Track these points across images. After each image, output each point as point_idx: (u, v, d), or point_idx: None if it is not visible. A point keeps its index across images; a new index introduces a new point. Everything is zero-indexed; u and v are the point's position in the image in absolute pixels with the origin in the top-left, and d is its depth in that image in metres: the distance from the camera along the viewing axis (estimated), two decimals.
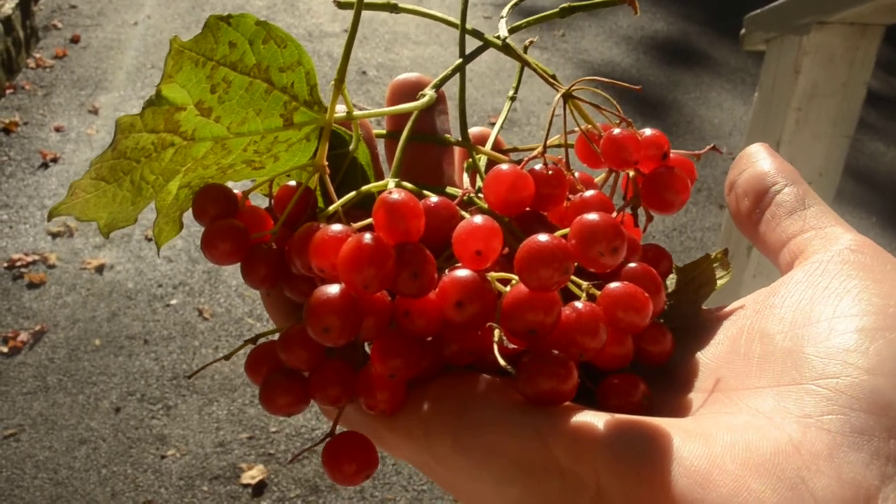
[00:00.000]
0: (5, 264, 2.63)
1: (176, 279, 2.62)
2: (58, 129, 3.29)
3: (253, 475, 2.03)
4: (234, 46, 0.38)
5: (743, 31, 1.52)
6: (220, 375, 2.29)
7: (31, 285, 2.57)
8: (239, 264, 0.38)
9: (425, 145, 0.43)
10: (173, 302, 2.55)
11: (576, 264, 0.33)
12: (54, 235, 2.75)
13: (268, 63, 0.38)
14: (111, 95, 3.55)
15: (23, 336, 2.38)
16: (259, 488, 2.01)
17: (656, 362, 0.36)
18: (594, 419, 0.29)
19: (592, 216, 0.33)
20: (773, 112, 1.42)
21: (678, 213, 3.06)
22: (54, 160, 3.11)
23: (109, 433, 2.13)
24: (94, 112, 3.42)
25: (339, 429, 0.37)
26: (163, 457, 2.08)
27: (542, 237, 0.31)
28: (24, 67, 3.71)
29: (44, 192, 2.96)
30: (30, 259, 2.65)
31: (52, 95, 3.53)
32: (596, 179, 0.42)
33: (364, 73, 3.84)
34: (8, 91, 3.51)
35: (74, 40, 3.97)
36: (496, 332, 0.31)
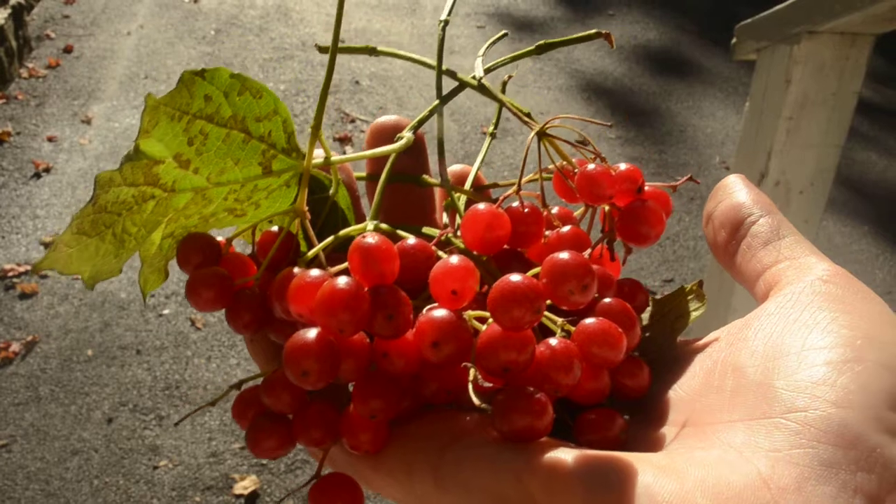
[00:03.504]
0: None
1: (168, 289, 2.62)
2: (50, 139, 3.29)
3: (245, 486, 2.02)
4: (209, 99, 0.38)
5: (734, 40, 1.53)
6: (213, 386, 2.29)
7: (23, 295, 2.56)
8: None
9: (408, 184, 0.44)
10: (166, 312, 2.54)
11: (549, 302, 0.33)
12: (46, 245, 2.74)
13: (244, 114, 0.39)
14: (104, 105, 3.55)
15: (15, 346, 2.37)
16: (251, 499, 2.00)
17: (634, 396, 0.36)
18: (568, 455, 0.29)
19: (563, 255, 0.33)
20: (764, 121, 1.42)
21: (671, 222, 3.07)
22: (47, 170, 3.11)
23: (101, 444, 2.12)
24: (87, 122, 3.42)
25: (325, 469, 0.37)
26: (155, 467, 2.07)
27: (515, 277, 0.32)
28: (16, 77, 3.71)
29: (36, 202, 2.95)
30: (22, 269, 2.64)
31: (45, 105, 3.53)
32: (575, 213, 0.43)
33: (357, 82, 3.85)
34: (0, 101, 3.51)
35: (67, 50, 3.97)
36: (471, 370, 0.32)
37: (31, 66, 3.81)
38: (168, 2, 4.50)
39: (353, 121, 3.57)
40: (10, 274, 2.62)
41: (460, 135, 3.51)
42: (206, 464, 2.08)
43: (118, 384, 2.29)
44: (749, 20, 1.46)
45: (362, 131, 3.47)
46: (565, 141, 0.40)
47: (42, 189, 3.02)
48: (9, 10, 3.72)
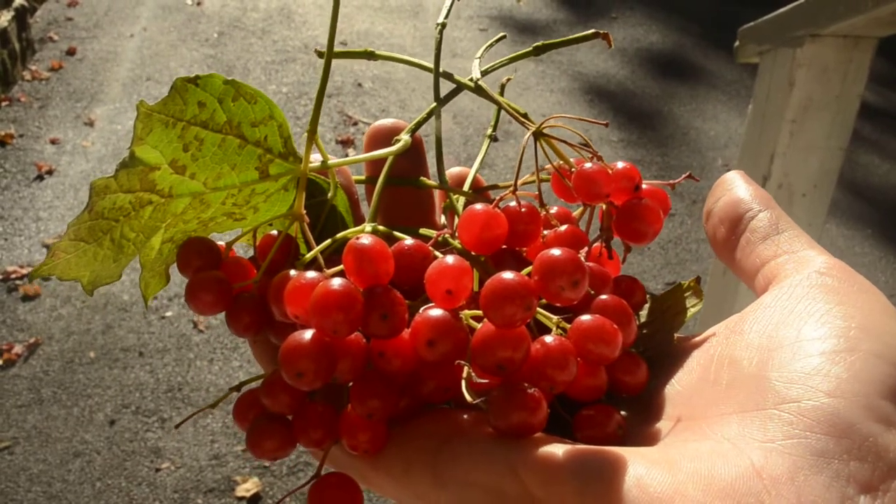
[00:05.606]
0: (0, 276, 2.62)
1: (171, 291, 2.62)
2: (53, 142, 3.29)
3: (248, 488, 2.02)
4: (203, 106, 0.38)
5: (737, 43, 1.53)
6: (215, 388, 2.29)
7: (26, 297, 2.56)
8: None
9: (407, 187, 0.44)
10: (168, 314, 2.54)
11: (542, 300, 0.34)
12: (49, 248, 2.75)
13: (239, 119, 0.39)
14: (107, 108, 3.55)
15: (17, 348, 2.37)
16: (254, 501, 2.00)
17: (632, 392, 0.36)
18: (562, 450, 0.30)
19: (554, 252, 0.33)
20: (767, 124, 1.42)
21: (674, 225, 3.07)
22: (50, 172, 3.11)
23: (104, 446, 2.12)
24: (90, 124, 3.42)
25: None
26: (157, 470, 2.07)
27: (507, 275, 0.32)
28: (19, 79, 3.71)
29: (39, 204, 2.95)
30: (24, 271, 2.65)
31: (48, 107, 3.53)
32: (575, 213, 0.43)
33: (360, 85, 3.85)
34: (3, 103, 3.51)
35: (70, 52, 3.98)
36: (465, 368, 0.32)
37: (34, 68, 3.82)
38: (171, 4, 4.51)
39: (355, 123, 3.57)
40: (13, 276, 2.62)
41: (462, 137, 3.51)
42: (208, 466, 2.07)
43: (120, 386, 2.29)
44: (752, 23, 1.46)
45: (364, 133, 3.47)
46: (563, 141, 0.40)
47: (45, 191, 3.02)
48: (12, 13, 3.73)
